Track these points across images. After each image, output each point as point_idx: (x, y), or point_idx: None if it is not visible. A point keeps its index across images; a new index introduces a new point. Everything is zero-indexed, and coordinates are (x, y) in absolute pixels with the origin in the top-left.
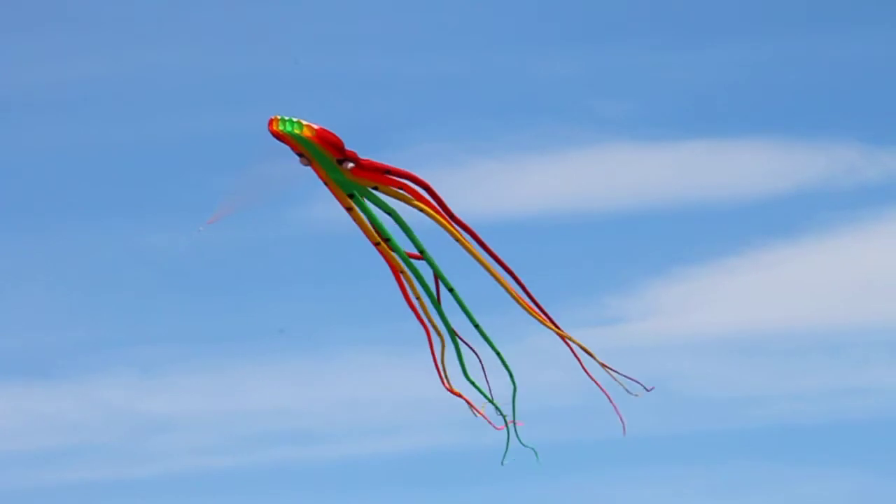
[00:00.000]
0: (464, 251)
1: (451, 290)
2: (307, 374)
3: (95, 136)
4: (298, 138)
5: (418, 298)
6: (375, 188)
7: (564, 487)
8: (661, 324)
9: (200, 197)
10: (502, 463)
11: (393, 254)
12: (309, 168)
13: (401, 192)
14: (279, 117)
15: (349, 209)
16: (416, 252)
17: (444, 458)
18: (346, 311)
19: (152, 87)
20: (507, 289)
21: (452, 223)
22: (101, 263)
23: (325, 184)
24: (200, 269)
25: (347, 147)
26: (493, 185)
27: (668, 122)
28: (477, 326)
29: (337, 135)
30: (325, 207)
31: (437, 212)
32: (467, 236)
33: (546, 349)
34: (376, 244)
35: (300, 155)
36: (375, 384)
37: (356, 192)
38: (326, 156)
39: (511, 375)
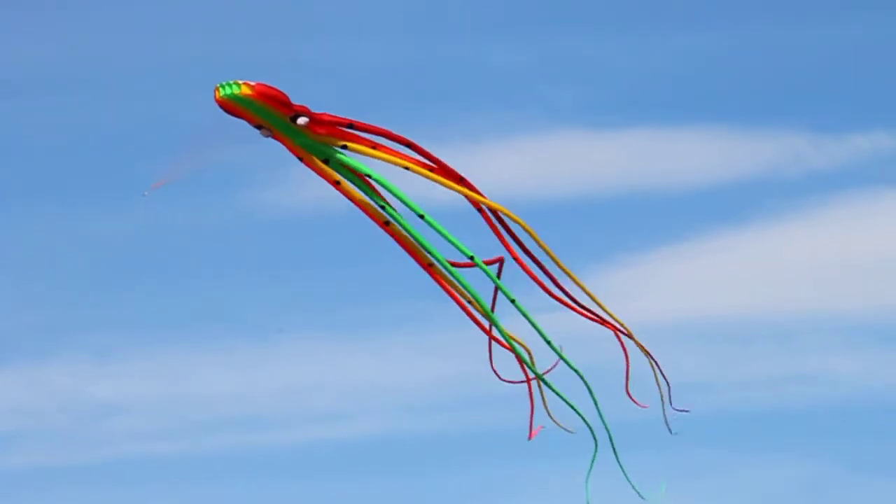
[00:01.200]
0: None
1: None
2: (257, 359)
3: (43, 119)
4: (240, 100)
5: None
6: (345, 146)
7: (512, 473)
8: (611, 308)
9: (151, 181)
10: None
11: (405, 234)
12: (273, 140)
13: (376, 151)
14: (220, 84)
15: (337, 184)
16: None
17: (395, 444)
18: (295, 296)
19: (105, 69)
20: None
21: (454, 180)
22: (50, 248)
23: (300, 158)
24: (150, 254)
25: (294, 102)
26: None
27: (616, 109)
28: (514, 302)
29: (278, 88)
30: (275, 191)
31: (432, 170)
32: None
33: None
34: (384, 224)
35: (258, 127)
36: (325, 370)
37: (330, 157)
38: (278, 117)
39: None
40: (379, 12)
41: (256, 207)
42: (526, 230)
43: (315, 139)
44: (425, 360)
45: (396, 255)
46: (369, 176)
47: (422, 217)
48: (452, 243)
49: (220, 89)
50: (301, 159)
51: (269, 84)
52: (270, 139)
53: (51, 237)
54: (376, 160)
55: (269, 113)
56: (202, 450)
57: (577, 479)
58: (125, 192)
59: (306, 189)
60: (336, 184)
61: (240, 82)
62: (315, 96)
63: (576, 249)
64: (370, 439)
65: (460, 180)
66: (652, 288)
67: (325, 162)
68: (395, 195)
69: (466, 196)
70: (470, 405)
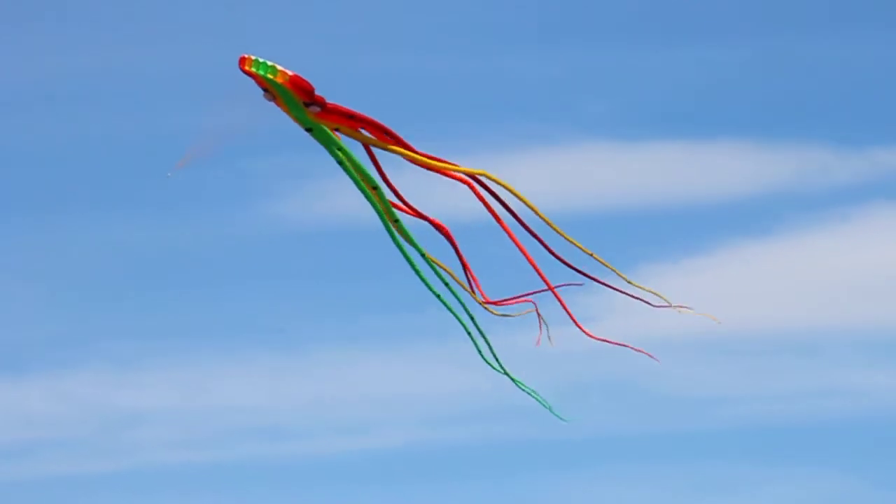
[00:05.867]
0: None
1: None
2: (280, 370)
3: (73, 128)
4: (269, 81)
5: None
6: (337, 129)
7: (531, 486)
8: (632, 322)
9: (174, 192)
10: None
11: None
12: (272, 104)
13: (364, 133)
14: (253, 58)
15: (308, 130)
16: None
17: (417, 455)
18: (319, 307)
19: (132, 82)
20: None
21: (431, 159)
22: (74, 258)
23: (287, 115)
24: (175, 264)
25: (318, 93)
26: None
27: (643, 123)
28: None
29: (310, 81)
30: (298, 203)
31: (410, 149)
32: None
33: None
34: (373, 189)
35: (265, 90)
36: (347, 381)
37: (314, 128)
38: (294, 97)
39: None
40: (411, 25)
41: (280, 219)
42: (514, 194)
43: (314, 120)
44: (447, 372)
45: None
46: (340, 149)
47: (375, 189)
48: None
49: (254, 65)
50: (286, 113)
51: (302, 77)
52: (270, 102)
53: (76, 247)
54: (355, 141)
55: (290, 96)
56: (225, 459)
57: (594, 490)
58: (150, 202)
59: (330, 201)
60: (308, 130)
61: (277, 67)
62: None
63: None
64: (392, 450)
65: (431, 157)
66: (675, 300)
67: (309, 130)
68: (355, 164)
69: (442, 170)
70: (491, 416)
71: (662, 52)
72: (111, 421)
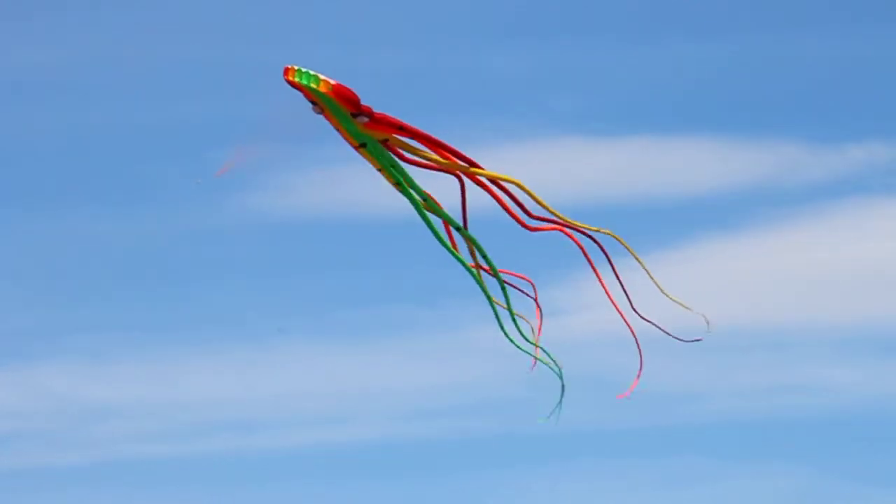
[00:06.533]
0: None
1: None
2: (251, 363)
3: (41, 121)
4: (313, 91)
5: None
6: (386, 140)
7: (505, 481)
8: (602, 316)
9: (148, 184)
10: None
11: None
12: (321, 116)
13: (415, 144)
14: (296, 68)
15: (359, 147)
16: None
17: (390, 449)
18: (290, 300)
19: (104, 72)
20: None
21: (487, 179)
22: (45, 250)
23: (337, 130)
24: (145, 256)
25: (364, 103)
26: (443, 180)
27: (614, 118)
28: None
29: (353, 90)
30: (270, 196)
31: (472, 163)
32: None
33: (486, 342)
34: (396, 185)
35: (313, 103)
36: (320, 374)
37: (368, 143)
38: (341, 109)
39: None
40: (378, 20)
41: (252, 211)
42: (523, 189)
43: (363, 132)
44: (420, 365)
45: (393, 259)
46: (394, 167)
47: (424, 200)
48: (449, 221)
49: (297, 74)
50: (337, 130)
51: (346, 86)
52: (319, 115)
53: (46, 239)
54: (410, 153)
55: (336, 106)
56: (196, 453)
57: (565, 486)
58: (121, 195)
59: (302, 193)
60: (358, 147)
61: (319, 77)
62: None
63: (571, 256)
64: (365, 444)
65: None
66: (645, 295)
67: (361, 146)
68: (412, 186)
69: (457, 171)
70: (465, 411)
71: (635, 48)
72: (82, 414)
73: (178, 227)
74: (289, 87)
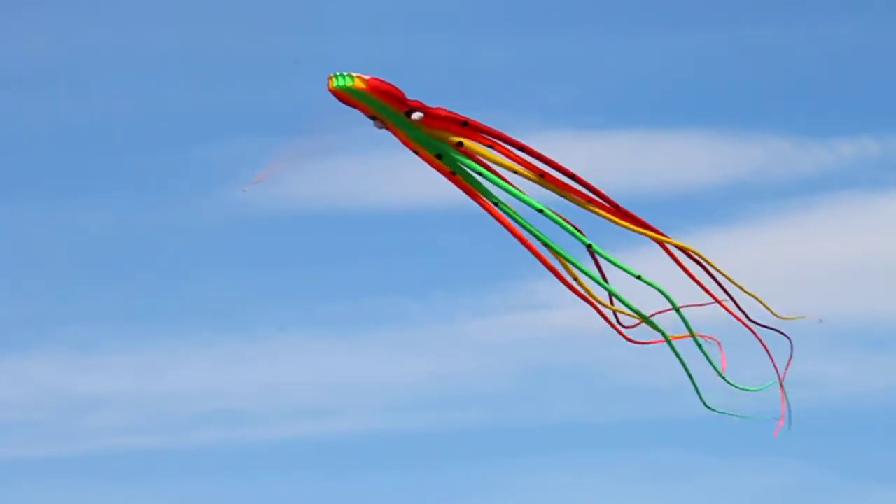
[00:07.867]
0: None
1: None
2: (239, 355)
3: (29, 112)
4: (353, 91)
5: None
6: (460, 143)
7: (489, 473)
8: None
9: (136, 176)
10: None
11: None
12: (385, 131)
13: (490, 152)
14: (333, 74)
15: (451, 174)
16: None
17: (376, 441)
18: (278, 292)
19: (91, 63)
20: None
21: (567, 185)
22: (33, 241)
23: (414, 151)
24: (133, 248)
25: (409, 96)
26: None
27: (605, 111)
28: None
29: (391, 83)
30: (258, 189)
31: (543, 174)
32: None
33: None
34: (494, 204)
35: (373, 118)
36: (307, 366)
37: (443, 152)
38: (392, 110)
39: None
40: (368, 10)
41: (240, 204)
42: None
43: (429, 133)
44: (407, 358)
45: (379, 252)
46: (481, 174)
47: (540, 212)
48: (570, 233)
49: (333, 79)
50: (416, 152)
51: (382, 78)
52: (384, 131)
53: (34, 230)
54: (490, 160)
55: (383, 106)
56: (183, 444)
57: (552, 478)
58: (109, 186)
59: (289, 187)
60: (451, 174)
61: (353, 75)
62: (306, 97)
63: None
64: (352, 436)
65: (569, 180)
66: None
67: (438, 157)
68: (508, 192)
69: (578, 202)
70: (452, 403)
71: (625, 41)
72: (69, 405)
73: (166, 219)
74: (342, 103)
